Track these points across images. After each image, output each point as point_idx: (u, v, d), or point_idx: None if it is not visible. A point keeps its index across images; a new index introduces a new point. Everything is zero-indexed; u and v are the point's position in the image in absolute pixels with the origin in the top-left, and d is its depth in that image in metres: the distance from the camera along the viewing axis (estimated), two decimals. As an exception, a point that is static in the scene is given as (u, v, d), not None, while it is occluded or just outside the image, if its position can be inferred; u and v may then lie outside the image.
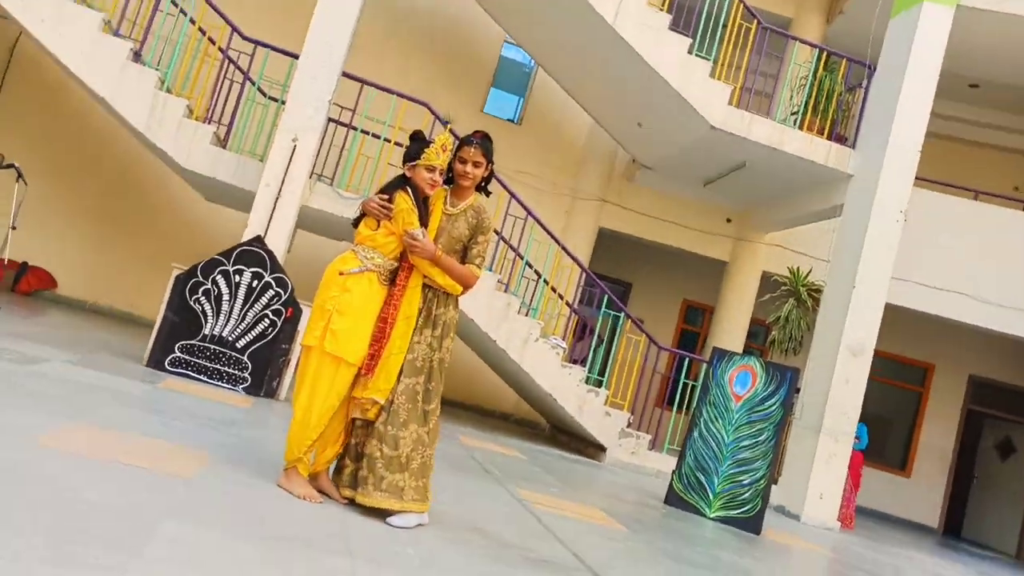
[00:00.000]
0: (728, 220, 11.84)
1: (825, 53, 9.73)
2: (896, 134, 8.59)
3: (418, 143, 3.38)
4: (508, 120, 11.82)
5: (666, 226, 11.67)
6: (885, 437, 13.52)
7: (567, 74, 10.39)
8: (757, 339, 12.93)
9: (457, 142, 3.45)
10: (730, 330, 11.39)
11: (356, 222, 3.46)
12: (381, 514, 3.14)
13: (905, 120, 8.61)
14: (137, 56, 7.47)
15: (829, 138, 9.33)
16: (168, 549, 2.18)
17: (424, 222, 3.32)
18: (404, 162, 3.42)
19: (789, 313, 9.48)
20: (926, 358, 13.31)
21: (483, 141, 3.43)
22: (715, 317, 11.81)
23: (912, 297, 10.56)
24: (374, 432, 3.22)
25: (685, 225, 11.69)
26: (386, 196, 3.33)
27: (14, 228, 7.04)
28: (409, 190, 3.32)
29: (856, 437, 8.94)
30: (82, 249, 9.78)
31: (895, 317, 10.24)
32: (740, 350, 11.20)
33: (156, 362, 5.90)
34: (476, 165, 3.39)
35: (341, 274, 3.28)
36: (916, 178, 8.81)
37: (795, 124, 9.45)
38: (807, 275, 9.83)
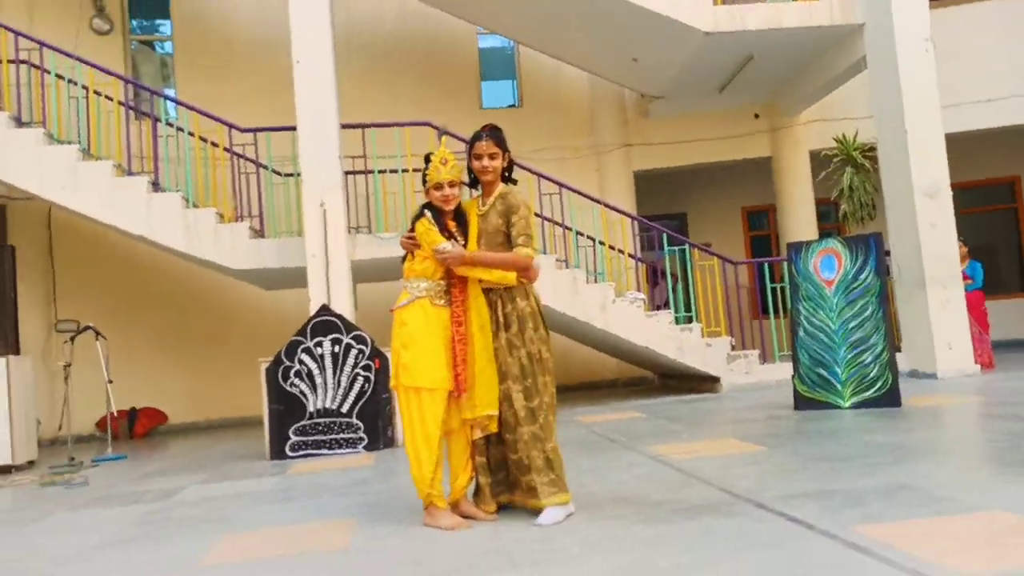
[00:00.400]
0: (756, 116, 11.51)
1: (790, -85, 9.34)
2: (893, -36, 8.19)
3: (428, 165, 3.44)
4: (509, 107, 11.79)
5: (697, 145, 11.42)
6: (995, 266, 12.91)
7: (548, 41, 10.30)
8: (829, 219, 12.54)
9: (467, 144, 3.47)
10: (798, 221, 11.09)
11: (403, 260, 3.54)
12: (533, 516, 3.21)
13: (897, -54, 8.20)
14: (156, 185, 7.78)
15: (826, -3, 8.95)
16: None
17: (455, 235, 3.36)
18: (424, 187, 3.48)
19: (851, 182, 9.16)
20: (1007, 172, 12.65)
21: (492, 132, 3.42)
22: (779, 214, 11.52)
23: (970, 118, 10.08)
24: (495, 443, 3.31)
25: (715, 137, 11.41)
26: (412, 228, 3.42)
27: (111, 382, 7.45)
28: (428, 213, 3.38)
29: (969, 277, 8.59)
30: (176, 375, 10.24)
31: (960, 144, 9.76)
32: (815, 236, 10.90)
33: (278, 453, 6.15)
34: (492, 157, 3.38)
35: (391, 311, 3.40)
36: (932, 0, 8.40)
37: (787, -3, 9.11)
38: (855, 138, 9.47)
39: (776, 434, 5.23)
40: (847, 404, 6.20)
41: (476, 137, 3.42)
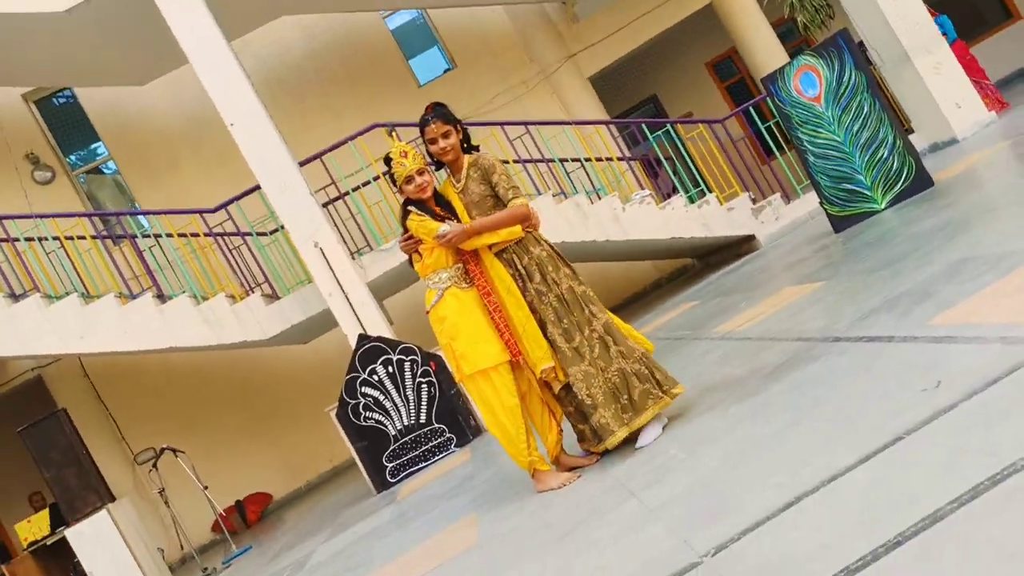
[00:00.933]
0: (680, -29, 11.18)
1: None
2: None
3: (389, 165, 3.41)
4: (445, 71, 11.60)
5: (635, 26, 11.16)
6: (974, 10, 12.49)
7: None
8: (794, 37, 12.19)
9: (419, 131, 3.42)
10: (763, 52, 10.79)
11: (410, 262, 3.55)
12: (632, 444, 3.24)
13: None
14: (161, 297, 7.86)
15: None
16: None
17: (447, 217, 3.34)
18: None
19: (795, -9, 8.87)
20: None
21: (436, 111, 3.37)
22: (743, 54, 11.24)
23: None
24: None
25: (649, 9, 11.13)
26: (404, 230, 3.41)
27: (206, 488, 7.65)
28: (412, 208, 3.36)
29: (941, 34, 8.30)
30: (261, 454, 10.47)
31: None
32: (786, 60, 10.62)
33: (382, 484, 6.28)
34: (446, 136, 3.33)
35: (427, 312, 3.40)
36: None
37: None
38: (783, -53, 9.16)
39: (827, 264, 5.18)
40: (883, 205, 6.09)
41: (423, 123, 3.36)
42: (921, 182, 5.92)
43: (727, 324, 4.95)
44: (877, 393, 2.34)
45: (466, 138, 3.45)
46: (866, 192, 6.17)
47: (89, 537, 6.90)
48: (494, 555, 2.91)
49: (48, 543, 7.13)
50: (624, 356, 3.26)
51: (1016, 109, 7.79)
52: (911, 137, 8.27)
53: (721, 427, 2.87)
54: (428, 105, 3.43)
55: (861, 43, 8.43)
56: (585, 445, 3.43)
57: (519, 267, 3.33)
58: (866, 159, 6.14)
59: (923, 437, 1.86)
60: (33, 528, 7.43)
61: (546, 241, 3.41)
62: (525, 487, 3.52)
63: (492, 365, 3.27)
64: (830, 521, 1.71)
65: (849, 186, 6.23)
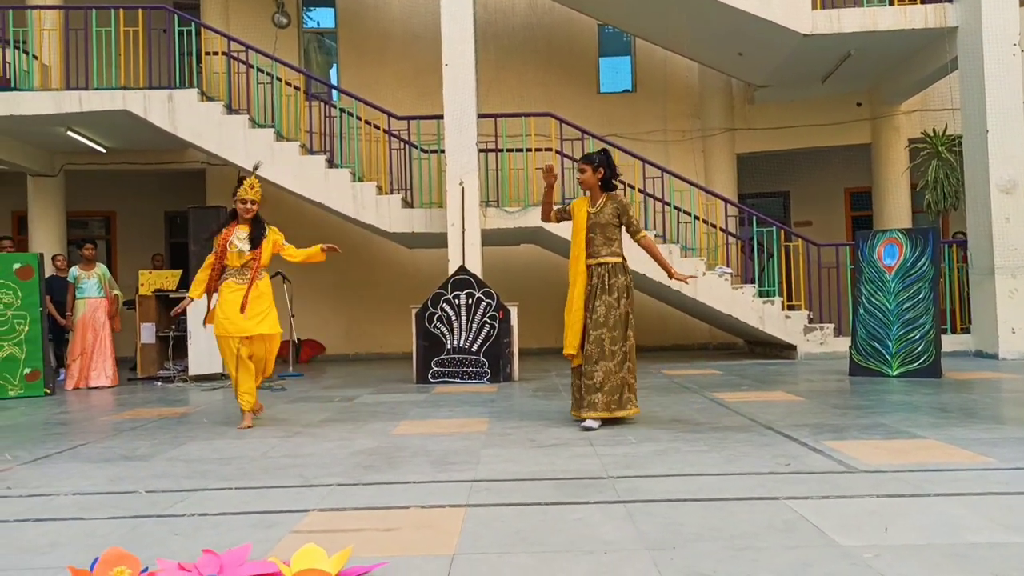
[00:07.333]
0: (858, 104, 12.19)
1: (896, -79, 9.97)
2: (986, -27, 8.81)
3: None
4: (624, 91, 12.97)
5: (799, 131, 12.25)
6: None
7: (660, 34, 11.41)
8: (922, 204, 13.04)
9: None
10: (892, 206, 11.81)
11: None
12: (611, 423, 4.73)
13: (991, -45, 8.80)
14: (330, 163, 9.65)
15: (922, 1, 9.62)
16: (492, 458, 3.89)
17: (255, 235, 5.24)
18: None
19: (936, 174, 9.88)
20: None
21: (582, 157, 5.07)
22: (873, 198, 12.24)
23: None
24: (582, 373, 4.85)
25: (817, 124, 12.20)
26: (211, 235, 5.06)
27: (293, 316, 9.46)
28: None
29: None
30: (333, 314, 12.33)
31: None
32: (908, 223, 11.61)
33: (422, 379, 7.92)
34: (581, 172, 4.99)
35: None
36: (1027, 3, 8.95)
37: (885, 0, 9.82)
38: (944, 132, 10.14)
39: (819, 391, 6.46)
40: (894, 373, 7.29)
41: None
42: (932, 371, 7.09)
43: (723, 394, 6.33)
44: (758, 455, 3.75)
45: (606, 179, 4.96)
46: (887, 357, 7.37)
47: (198, 303, 8.77)
48: (492, 440, 4.45)
49: (170, 296, 9.06)
50: (628, 372, 4.84)
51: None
52: (966, 336, 9.35)
53: (667, 438, 4.32)
54: (589, 153, 5.02)
55: (965, 242, 9.48)
56: (573, 408, 4.96)
57: (606, 282, 4.85)
58: (901, 332, 7.33)
59: (753, 478, 3.29)
60: (156, 279, 9.38)
61: (630, 276, 4.94)
62: (526, 418, 5.04)
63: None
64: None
65: (877, 345, 7.44)
